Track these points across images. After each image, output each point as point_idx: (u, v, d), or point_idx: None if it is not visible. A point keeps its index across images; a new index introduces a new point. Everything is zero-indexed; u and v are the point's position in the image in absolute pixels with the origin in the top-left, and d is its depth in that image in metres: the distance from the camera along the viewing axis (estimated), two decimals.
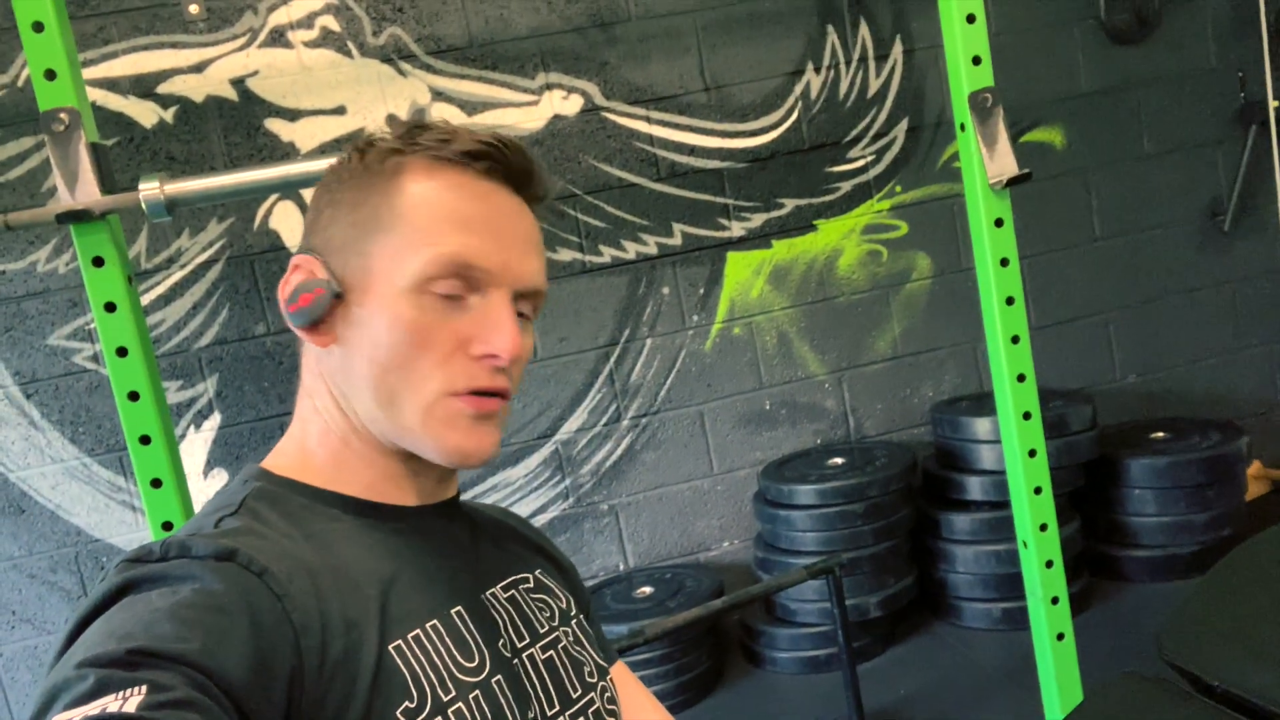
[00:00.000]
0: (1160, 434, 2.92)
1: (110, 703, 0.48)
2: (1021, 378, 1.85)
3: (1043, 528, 1.87)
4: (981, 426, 2.73)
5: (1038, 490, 1.86)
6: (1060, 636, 1.90)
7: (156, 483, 1.60)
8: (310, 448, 0.75)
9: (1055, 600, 1.88)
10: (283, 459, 0.75)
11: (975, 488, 2.73)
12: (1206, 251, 3.22)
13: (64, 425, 2.65)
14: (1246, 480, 2.90)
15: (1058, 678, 1.90)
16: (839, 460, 2.83)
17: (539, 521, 2.88)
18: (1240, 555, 1.13)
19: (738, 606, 2.28)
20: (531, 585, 0.83)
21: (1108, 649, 2.45)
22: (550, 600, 0.83)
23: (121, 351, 1.56)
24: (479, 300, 0.71)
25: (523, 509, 2.87)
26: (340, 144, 2.66)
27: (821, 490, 2.66)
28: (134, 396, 1.57)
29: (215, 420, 2.72)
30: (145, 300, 2.63)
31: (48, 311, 2.60)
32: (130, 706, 0.48)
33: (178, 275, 2.67)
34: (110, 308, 1.54)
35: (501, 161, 0.72)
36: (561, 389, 2.87)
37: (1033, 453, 1.86)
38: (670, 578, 2.81)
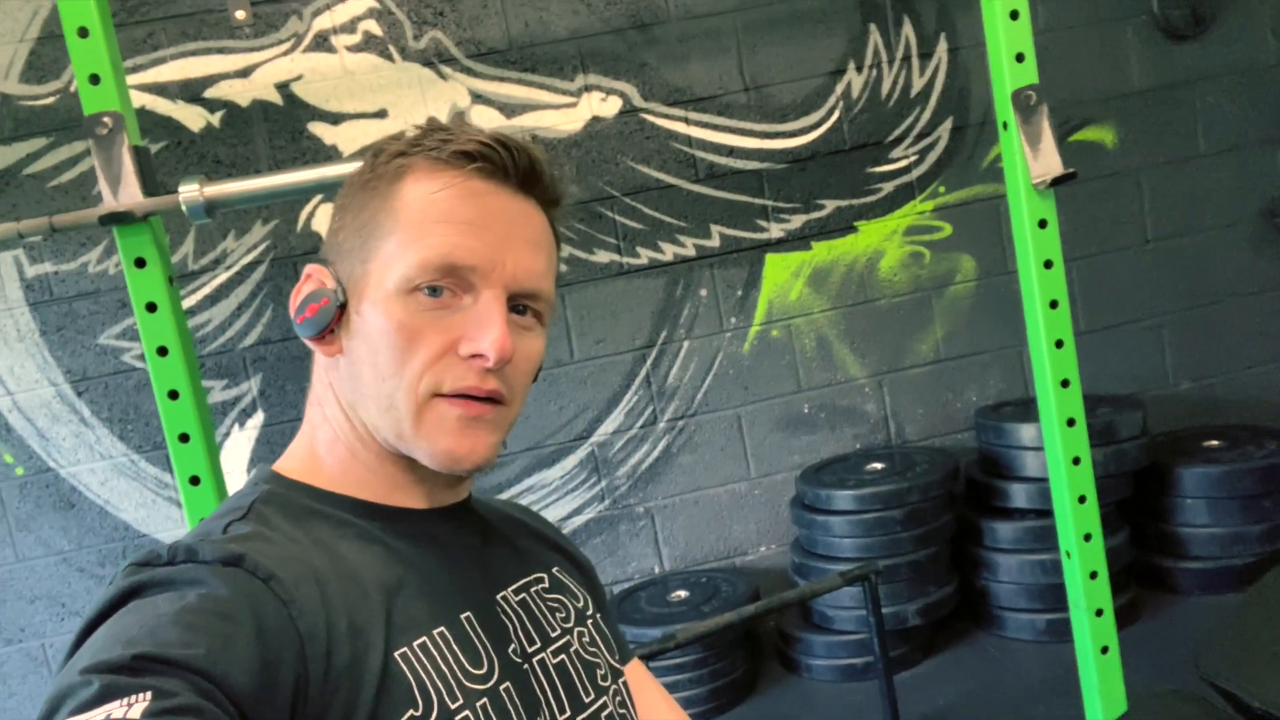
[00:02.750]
0: (1214, 442, 2.82)
1: (115, 709, 0.48)
2: (1066, 383, 1.80)
3: (1087, 538, 1.82)
4: (1026, 432, 2.67)
5: (1082, 499, 1.81)
6: (1105, 650, 1.84)
7: (195, 480, 1.62)
8: (319, 453, 0.75)
9: (1100, 612, 1.83)
10: (294, 462, 0.75)
11: (1019, 495, 2.67)
12: (1264, 254, 3.12)
13: (113, 423, 2.71)
14: None
15: (1101, 692, 1.84)
16: (878, 465, 2.79)
17: (574, 523, 2.88)
18: None
19: (772, 612, 2.26)
20: (547, 584, 0.82)
21: (1156, 663, 2.37)
22: (566, 599, 0.82)
23: (162, 351, 1.59)
24: (470, 301, 0.70)
25: (558, 510, 2.87)
26: None
27: (860, 496, 2.62)
28: (174, 395, 1.59)
29: (259, 419, 2.76)
30: (191, 301, 2.69)
31: (98, 311, 2.67)
32: (135, 713, 0.48)
33: (223, 276, 2.71)
34: (151, 308, 1.57)
35: (497, 161, 0.71)
36: (598, 391, 2.87)
37: (1077, 460, 1.81)
38: (705, 582, 2.79)
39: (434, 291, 0.68)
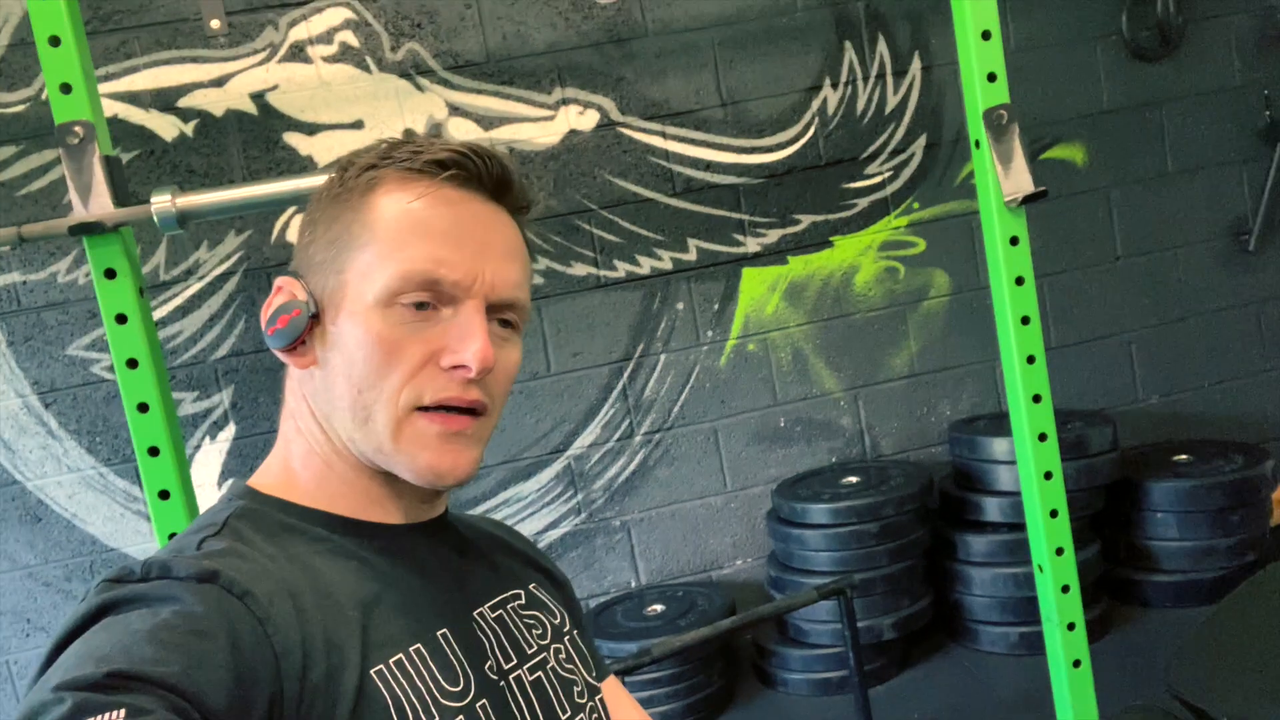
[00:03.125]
0: (1183, 456, 2.86)
1: None
2: (1037, 398, 1.81)
3: (1059, 552, 1.83)
4: (999, 446, 2.70)
5: (1054, 513, 1.83)
6: (1077, 663, 1.85)
7: (164, 494, 1.60)
8: (294, 468, 0.74)
9: (1071, 626, 1.84)
10: (268, 477, 0.75)
11: (993, 509, 2.69)
12: (1231, 271, 3.17)
13: (81, 435, 2.67)
14: (1272, 505, 2.83)
15: (1073, 705, 1.85)
16: (854, 479, 2.80)
17: (550, 537, 2.87)
18: (1250, 588, 1.10)
19: (748, 626, 2.26)
20: (523, 601, 0.82)
21: (1127, 675, 2.39)
22: (543, 616, 0.82)
23: (132, 363, 1.57)
24: (450, 313, 0.70)
25: (534, 524, 2.86)
26: None
27: (835, 509, 2.63)
28: (143, 408, 1.57)
29: (230, 431, 2.73)
30: (163, 312, 2.66)
31: (67, 322, 2.63)
32: None
33: (196, 287, 2.69)
34: (121, 319, 1.55)
35: (471, 169, 0.71)
36: (575, 404, 2.87)
37: (1049, 475, 1.82)
38: (682, 595, 2.79)
39: (417, 306, 0.68)
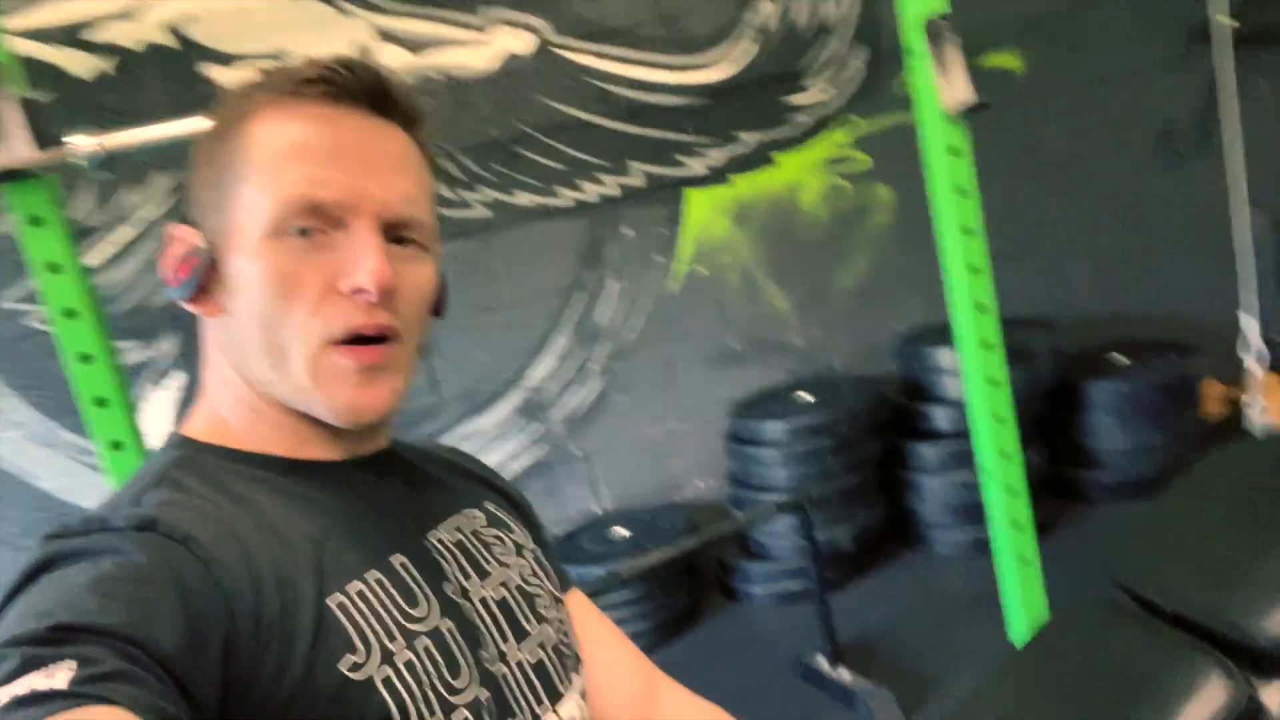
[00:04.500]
0: (1121, 358, 2.95)
1: (38, 680, 0.47)
2: (981, 307, 1.85)
3: (1004, 455, 1.90)
4: (945, 357, 2.74)
5: (999, 418, 1.89)
6: (1025, 562, 1.94)
7: (117, 445, 1.58)
8: (224, 416, 0.72)
9: (1018, 525, 1.92)
10: (200, 425, 0.73)
11: (941, 418, 2.76)
12: (1166, 176, 3.23)
13: (23, 390, 2.60)
14: (1206, 402, 2.95)
15: (1023, 601, 1.94)
16: (807, 396, 2.84)
17: (512, 468, 2.89)
18: (1188, 478, 1.16)
19: (710, 544, 2.31)
20: (483, 520, 0.82)
21: (1075, 571, 2.48)
22: (502, 533, 0.83)
23: (70, 313, 1.53)
24: (343, 236, 0.67)
25: (495, 457, 2.87)
26: None
27: (791, 427, 2.67)
28: (87, 359, 1.54)
29: (181, 379, 2.68)
30: (97, 259, 2.57)
31: None
32: (59, 682, 0.47)
33: (130, 234, 2.60)
34: (54, 269, 1.51)
35: (341, 82, 0.67)
36: (528, 336, 2.85)
37: (993, 381, 1.87)
38: (645, 519, 2.83)
39: (303, 232, 0.66)
